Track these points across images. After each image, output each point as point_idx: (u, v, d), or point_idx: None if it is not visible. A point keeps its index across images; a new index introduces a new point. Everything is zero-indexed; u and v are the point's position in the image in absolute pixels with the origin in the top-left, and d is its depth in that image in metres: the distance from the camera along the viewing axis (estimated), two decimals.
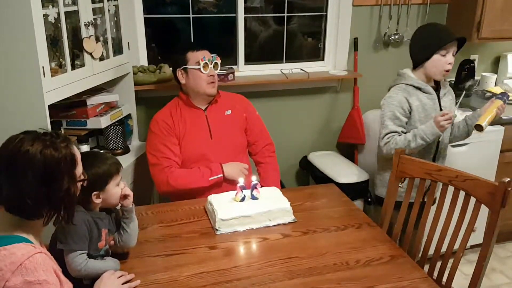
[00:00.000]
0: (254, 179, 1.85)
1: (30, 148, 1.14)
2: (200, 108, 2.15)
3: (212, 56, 2.11)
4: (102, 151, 2.25)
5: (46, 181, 1.16)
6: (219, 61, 2.13)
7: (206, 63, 2.07)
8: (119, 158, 2.28)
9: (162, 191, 2.08)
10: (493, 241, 1.55)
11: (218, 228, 1.71)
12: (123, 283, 1.39)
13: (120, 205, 1.51)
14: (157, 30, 2.77)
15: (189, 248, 1.61)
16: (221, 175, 2.07)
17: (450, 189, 1.71)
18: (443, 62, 2.03)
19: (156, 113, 2.17)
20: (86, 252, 1.38)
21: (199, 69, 2.06)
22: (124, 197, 1.48)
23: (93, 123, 2.20)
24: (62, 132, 2.08)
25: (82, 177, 1.27)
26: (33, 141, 1.16)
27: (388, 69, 3.08)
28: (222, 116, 2.18)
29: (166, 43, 2.86)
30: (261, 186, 1.86)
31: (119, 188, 1.47)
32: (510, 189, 1.50)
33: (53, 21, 1.81)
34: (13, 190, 1.14)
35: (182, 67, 2.10)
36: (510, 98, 2.24)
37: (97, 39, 2.08)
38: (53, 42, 1.84)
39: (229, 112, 2.20)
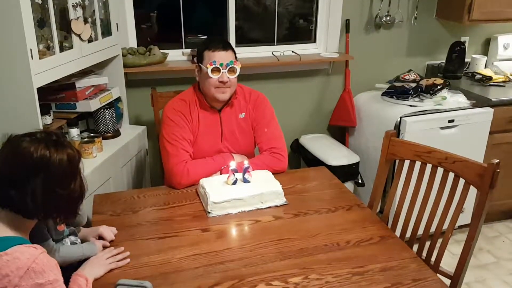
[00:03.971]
0: (246, 162, 1.86)
1: (56, 154, 1.18)
2: (215, 108, 2.04)
3: (230, 61, 1.94)
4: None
5: (71, 181, 1.22)
6: (237, 66, 1.95)
7: (216, 67, 1.92)
8: (110, 141, 2.31)
9: (179, 182, 1.91)
10: (481, 221, 1.58)
11: (210, 211, 1.72)
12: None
13: None
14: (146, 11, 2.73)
15: (182, 230, 1.62)
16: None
17: (440, 170, 1.73)
18: None
19: (172, 101, 2.04)
20: (50, 239, 1.39)
21: (207, 72, 1.93)
22: None
23: (82, 106, 2.17)
24: (52, 115, 2.05)
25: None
26: (55, 147, 1.19)
27: (379, 51, 3.09)
28: (235, 119, 2.07)
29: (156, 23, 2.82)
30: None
31: None
32: (498, 170, 1.52)
33: (40, 2, 1.77)
34: (49, 198, 1.17)
35: (199, 63, 2.01)
36: None
37: (85, 21, 2.05)
38: (41, 24, 1.80)
39: (242, 115, 2.08)
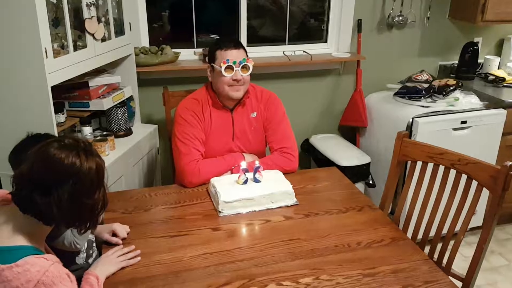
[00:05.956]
0: (256, 162, 1.86)
1: (86, 163, 1.16)
2: (227, 108, 2.06)
3: (242, 58, 1.96)
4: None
5: (96, 191, 1.20)
6: (250, 64, 1.97)
7: (229, 65, 1.93)
8: (122, 140, 2.32)
9: (190, 181, 1.92)
10: (493, 224, 1.56)
11: (221, 210, 1.73)
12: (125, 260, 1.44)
13: None
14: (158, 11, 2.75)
15: (193, 229, 1.63)
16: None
17: (452, 172, 1.72)
18: None
19: (185, 100, 2.06)
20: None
21: (221, 71, 1.94)
22: None
23: (95, 104, 2.19)
24: (65, 113, 2.07)
25: None
26: (85, 155, 1.16)
27: (391, 51, 3.07)
28: (247, 119, 2.08)
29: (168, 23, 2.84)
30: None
31: None
32: (511, 172, 1.51)
33: (55, 1, 1.79)
34: (74, 206, 1.15)
35: (211, 63, 2.02)
36: None
37: (99, 20, 2.06)
38: (55, 23, 1.82)
39: (254, 114, 2.09)
